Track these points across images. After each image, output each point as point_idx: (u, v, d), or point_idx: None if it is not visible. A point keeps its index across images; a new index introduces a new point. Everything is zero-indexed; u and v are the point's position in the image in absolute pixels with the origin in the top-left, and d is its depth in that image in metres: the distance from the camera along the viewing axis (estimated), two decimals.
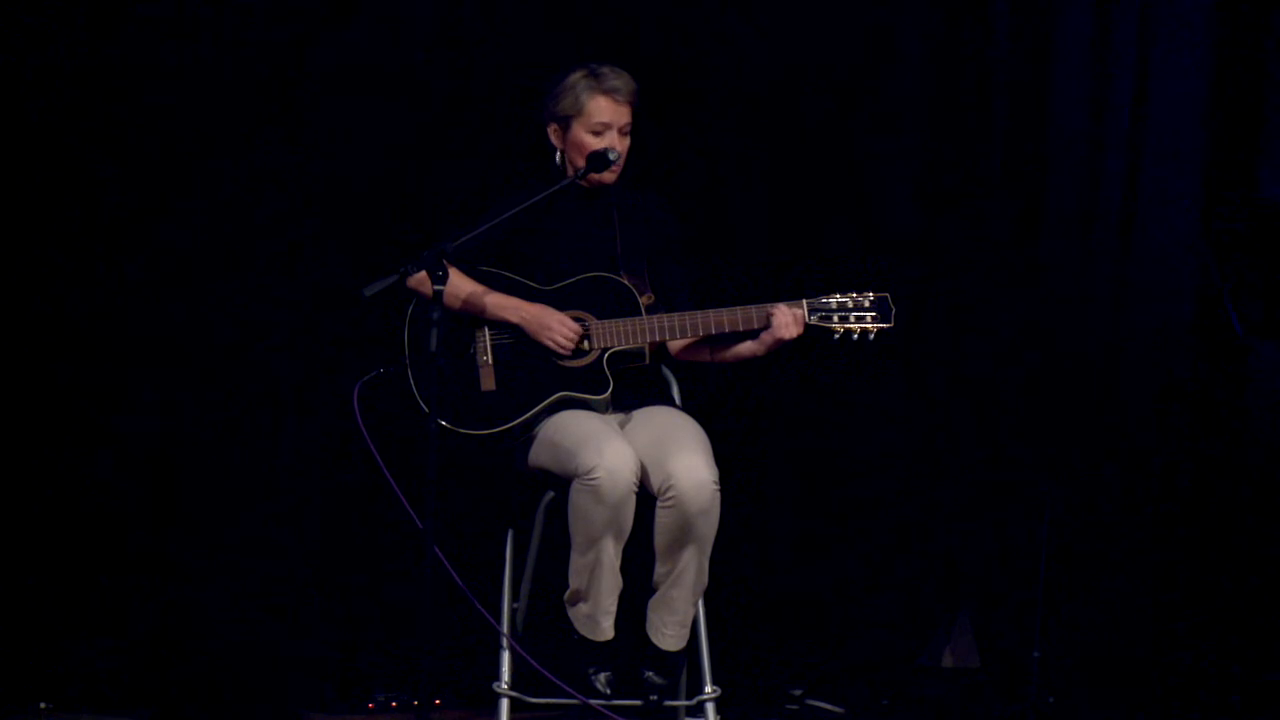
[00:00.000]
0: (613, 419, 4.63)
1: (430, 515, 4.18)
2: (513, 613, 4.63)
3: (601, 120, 4.67)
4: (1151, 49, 5.80)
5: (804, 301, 4.58)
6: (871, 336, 4.59)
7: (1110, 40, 5.83)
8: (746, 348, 4.65)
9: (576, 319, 4.62)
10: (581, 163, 4.67)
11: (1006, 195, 5.89)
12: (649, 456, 4.48)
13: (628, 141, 4.73)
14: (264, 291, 5.58)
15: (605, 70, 4.69)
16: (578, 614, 4.50)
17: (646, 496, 4.47)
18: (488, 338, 4.63)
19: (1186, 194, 5.75)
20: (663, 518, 4.45)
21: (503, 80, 5.76)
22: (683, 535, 4.45)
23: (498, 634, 4.56)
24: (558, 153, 4.75)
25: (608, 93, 4.67)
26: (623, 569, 4.48)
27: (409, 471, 4.50)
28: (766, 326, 4.56)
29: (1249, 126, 5.73)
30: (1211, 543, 5.60)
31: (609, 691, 4.48)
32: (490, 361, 4.61)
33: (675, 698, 4.60)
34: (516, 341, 4.62)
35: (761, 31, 5.88)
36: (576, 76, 4.70)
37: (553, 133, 4.75)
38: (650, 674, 4.52)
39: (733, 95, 5.88)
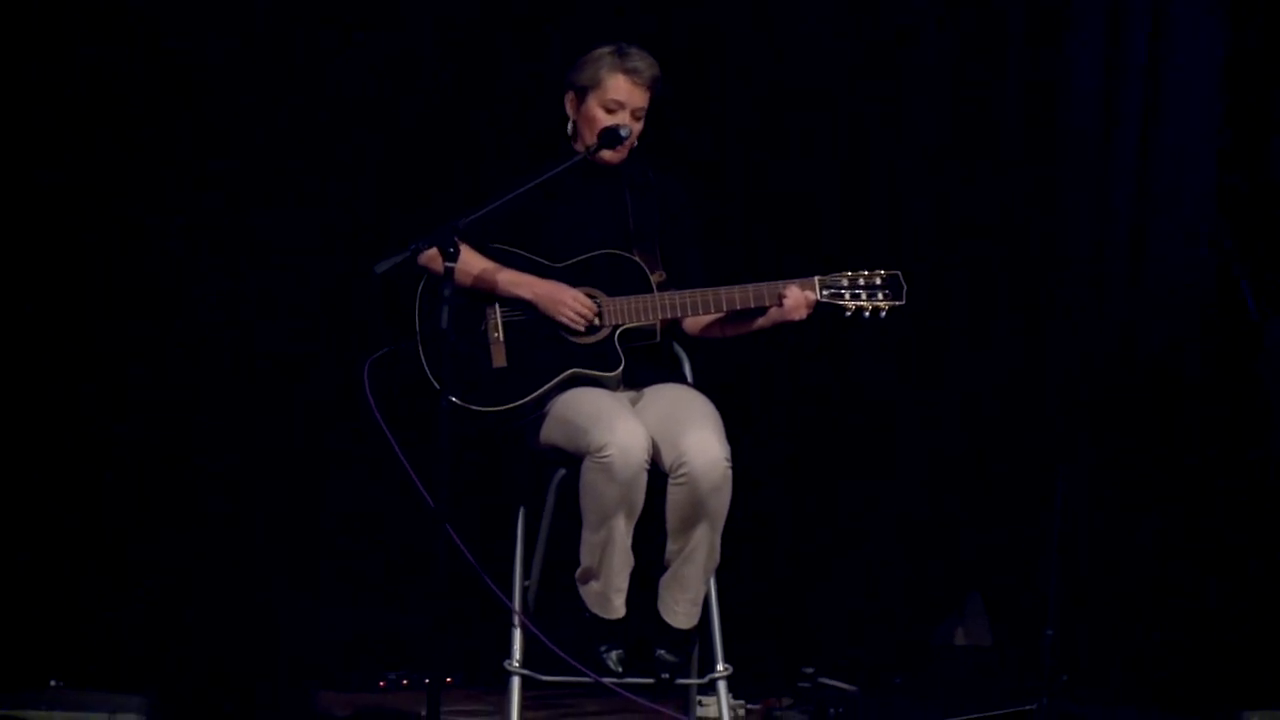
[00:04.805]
0: (624, 396, 4.61)
1: (442, 493, 4.16)
2: (524, 591, 4.61)
3: (616, 98, 4.65)
4: (1164, 28, 5.79)
5: (815, 279, 4.57)
6: (883, 314, 4.58)
7: (1123, 20, 5.81)
8: (757, 322, 4.64)
9: (588, 296, 4.60)
10: (591, 137, 4.66)
11: (1021, 173, 5.89)
12: (661, 434, 4.47)
13: (640, 126, 4.70)
14: (274, 268, 5.59)
15: (632, 51, 4.68)
16: (589, 592, 4.49)
17: (658, 474, 4.45)
18: (499, 314, 4.61)
19: (1201, 175, 5.77)
20: (675, 495, 4.44)
21: (517, 57, 5.76)
22: (695, 513, 4.44)
23: (509, 612, 4.54)
24: (570, 123, 4.73)
25: (628, 72, 4.65)
26: (634, 547, 4.46)
27: (420, 449, 4.47)
28: (778, 304, 4.55)
29: (1264, 104, 5.71)
30: (1226, 521, 5.60)
31: (621, 670, 4.47)
32: (501, 338, 4.60)
33: (687, 676, 4.58)
34: (528, 318, 4.60)
35: (788, 28, 5.90)
36: (603, 51, 4.69)
37: (568, 101, 4.73)
38: (662, 652, 4.51)
39: (753, 83, 5.89)
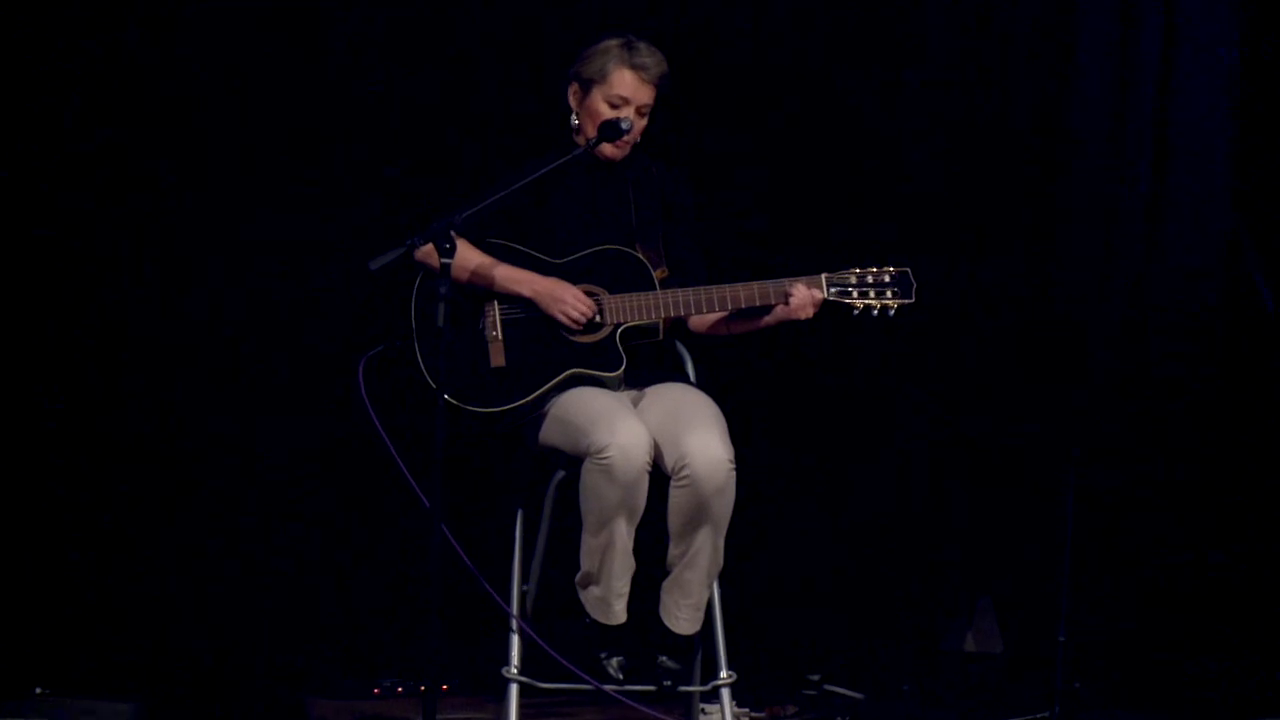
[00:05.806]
0: (625, 396, 4.56)
1: (437, 495, 4.12)
2: (522, 595, 4.57)
3: (621, 93, 4.59)
4: (1177, 20, 5.75)
5: (823, 276, 4.52)
6: (892, 313, 4.52)
7: (1135, 18, 5.78)
8: (763, 320, 4.58)
9: (588, 293, 4.53)
10: (593, 130, 4.61)
11: (1032, 167, 5.89)
12: (663, 434, 4.41)
13: (644, 123, 4.65)
14: (268, 266, 5.57)
15: (640, 46, 4.62)
16: (589, 596, 4.44)
17: (660, 476, 4.41)
18: (497, 312, 4.55)
19: (1217, 167, 5.76)
20: (677, 497, 4.38)
21: (516, 48, 5.72)
22: (697, 515, 4.38)
23: (507, 617, 4.51)
24: (572, 115, 4.67)
25: (635, 68, 4.59)
26: (636, 550, 4.41)
27: (416, 450, 4.45)
28: (784, 302, 4.48)
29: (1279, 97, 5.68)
30: (1242, 525, 5.58)
31: (621, 676, 4.43)
32: (500, 337, 4.53)
33: (689, 683, 4.54)
34: (527, 316, 4.55)
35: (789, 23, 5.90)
36: (611, 44, 4.62)
37: (572, 93, 4.67)
38: (664, 658, 4.47)
39: (757, 67, 5.88)
